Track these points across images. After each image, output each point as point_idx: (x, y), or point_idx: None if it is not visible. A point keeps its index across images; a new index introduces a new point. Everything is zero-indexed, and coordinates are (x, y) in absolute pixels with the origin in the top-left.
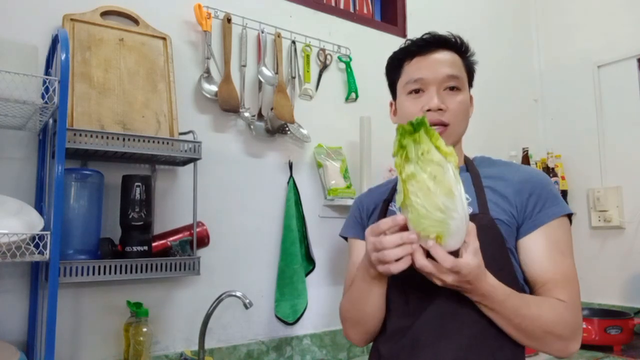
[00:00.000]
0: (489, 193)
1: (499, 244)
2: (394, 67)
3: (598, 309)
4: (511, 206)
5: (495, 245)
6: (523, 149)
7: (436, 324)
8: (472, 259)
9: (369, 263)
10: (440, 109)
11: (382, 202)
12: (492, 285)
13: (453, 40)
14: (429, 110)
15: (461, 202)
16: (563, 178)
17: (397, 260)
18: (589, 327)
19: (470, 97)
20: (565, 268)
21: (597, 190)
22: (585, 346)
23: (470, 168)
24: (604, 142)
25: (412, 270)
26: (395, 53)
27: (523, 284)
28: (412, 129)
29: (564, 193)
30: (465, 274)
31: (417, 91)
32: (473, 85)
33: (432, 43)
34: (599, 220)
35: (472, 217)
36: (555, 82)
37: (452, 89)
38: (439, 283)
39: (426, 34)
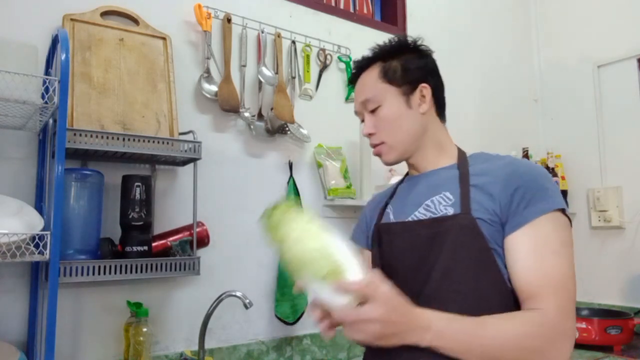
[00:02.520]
0: (474, 191)
1: (480, 245)
2: None
3: (598, 309)
4: (495, 203)
5: (475, 246)
6: (523, 149)
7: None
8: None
9: None
10: (371, 134)
11: (380, 209)
12: (428, 319)
13: (368, 58)
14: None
15: (335, 246)
16: (563, 178)
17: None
18: (589, 327)
19: (412, 95)
20: (553, 269)
21: (597, 190)
22: (585, 346)
23: (461, 166)
24: (604, 142)
25: (397, 247)
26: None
27: (511, 287)
28: (268, 222)
29: (564, 193)
30: (381, 312)
31: (362, 121)
32: (420, 79)
33: (355, 73)
34: (599, 220)
35: (452, 218)
36: (555, 82)
37: (373, 110)
38: (368, 338)
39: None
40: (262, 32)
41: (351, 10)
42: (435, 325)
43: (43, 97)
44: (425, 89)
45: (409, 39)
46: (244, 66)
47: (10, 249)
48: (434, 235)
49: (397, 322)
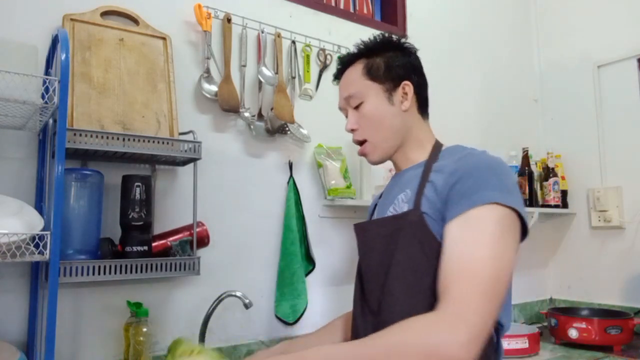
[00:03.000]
0: (428, 187)
1: (427, 240)
2: None
3: (598, 309)
4: (438, 197)
5: (424, 241)
6: (523, 149)
7: (388, 310)
8: None
9: None
10: (353, 129)
11: (371, 209)
12: None
13: (352, 55)
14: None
15: None
16: (563, 178)
17: None
18: (589, 327)
19: (395, 92)
20: (470, 262)
21: (597, 190)
22: (585, 346)
23: (428, 162)
24: (604, 142)
25: (364, 248)
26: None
27: None
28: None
29: (564, 193)
30: None
31: (346, 116)
32: (403, 76)
33: (339, 69)
34: (599, 220)
35: (404, 215)
36: (555, 82)
37: (357, 106)
38: None
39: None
40: (262, 32)
41: (351, 10)
42: None
43: (43, 97)
44: (407, 87)
45: (394, 37)
46: (244, 66)
47: (10, 249)
48: (390, 233)
49: None
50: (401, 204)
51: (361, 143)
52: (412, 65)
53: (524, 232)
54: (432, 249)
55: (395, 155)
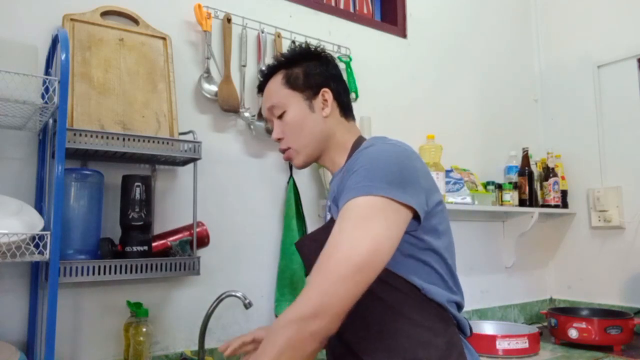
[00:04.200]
0: (338, 191)
1: None
2: None
3: (598, 309)
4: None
5: None
6: (523, 149)
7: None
8: None
9: None
10: (279, 139)
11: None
12: None
13: (272, 67)
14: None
15: None
16: (563, 178)
17: None
18: (589, 327)
19: (315, 99)
20: (326, 249)
21: (597, 190)
22: (585, 346)
23: (346, 165)
24: (604, 142)
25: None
26: None
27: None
28: None
29: (564, 193)
30: None
31: (272, 127)
32: (322, 84)
33: (261, 82)
34: (599, 220)
35: (329, 224)
36: (555, 82)
37: (280, 116)
38: None
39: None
40: (262, 32)
41: (351, 10)
42: None
43: (43, 97)
44: (326, 93)
45: (311, 47)
46: (244, 66)
47: (10, 249)
48: (320, 246)
49: None
50: (327, 213)
51: (283, 152)
52: (330, 73)
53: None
54: None
55: (323, 160)
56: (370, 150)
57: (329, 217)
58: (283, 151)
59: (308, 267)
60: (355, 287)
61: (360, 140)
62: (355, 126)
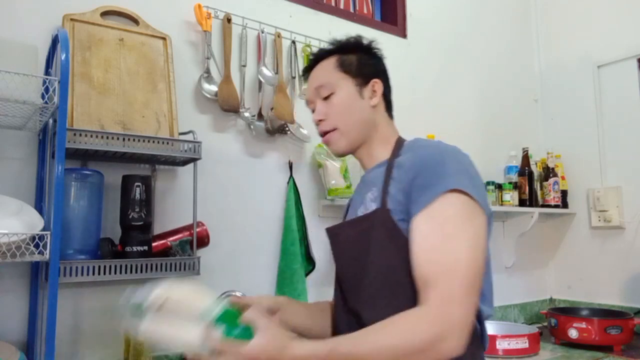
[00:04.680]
0: (391, 184)
1: (397, 237)
2: None
3: (598, 309)
4: (402, 193)
5: (392, 238)
6: (523, 149)
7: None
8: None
9: None
10: (321, 120)
11: (345, 209)
12: (306, 350)
13: (326, 50)
14: (317, 124)
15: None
16: (563, 178)
17: None
18: (589, 327)
19: (365, 87)
20: (444, 255)
21: (597, 190)
22: (585, 346)
23: (390, 159)
24: (604, 142)
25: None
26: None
27: None
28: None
29: (564, 193)
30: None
31: (313, 111)
32: (373, 74)
33: (308, 67)
34: (599, 220)
35: (372, 214)
36: (555, 82)
37: (326, 97)
38: None
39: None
40: (262, 32)
41: (351, 10)
42: (314, 348)
43: (43, 97)
44: (376, 84)
45: (365, 40)
46: (244, 66)
47: (10, 249)
48: (360, 234)
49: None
50: (369, 203)
51: (327, 133)
52: (381, 68)
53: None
54: (403, 245)
55: (360, 151)
56: (438, 147)
57: (374, 206)
58: (324, 133)
59: (339, 256)
60: (476, 296)
61: (401, 139)
62: (395, 125)
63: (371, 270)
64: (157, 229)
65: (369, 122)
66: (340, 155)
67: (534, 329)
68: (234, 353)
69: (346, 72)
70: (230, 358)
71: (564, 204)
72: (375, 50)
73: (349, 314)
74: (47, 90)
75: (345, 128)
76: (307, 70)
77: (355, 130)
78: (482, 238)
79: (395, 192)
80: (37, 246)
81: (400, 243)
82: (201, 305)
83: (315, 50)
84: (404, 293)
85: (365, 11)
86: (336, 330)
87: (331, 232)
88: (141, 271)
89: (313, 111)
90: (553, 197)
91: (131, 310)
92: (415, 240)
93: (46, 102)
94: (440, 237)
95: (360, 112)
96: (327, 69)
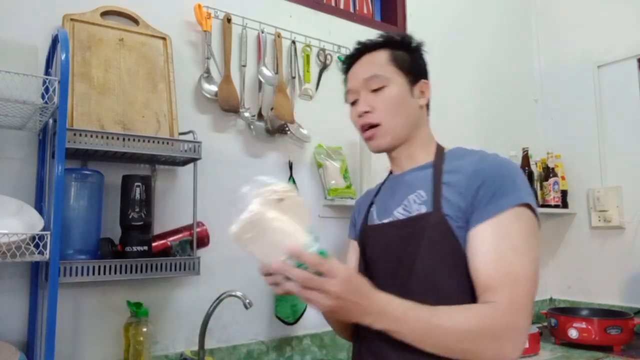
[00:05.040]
0: (445, 189)
1: (450, 242)
2: (344, 82)
3: (598, 309)
4: (462, 200)
5: (445, 243)
6: (523, 149)
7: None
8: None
9: None
10: (367, 112)
11: (366, 207)
12: (386, 302)
13: (379, 40)
14: (359, 116)
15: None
16: (563, 178)
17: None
18: (589, 327)
19: (415, 86)
20: (511, 266)
21: (597, 190)
22: (585, 346)
23: (435, 163)
24: (604, 142)
25: (377, 246)
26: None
27: None
28: None
29: (564, 193)
30: (340, 281)
31: (354, 102)
32: (422, 75)
33: (355, 54)
34: (599, 220)
35: (424, 217)
36: (555, 82)
37: (376, 89)
38: (320, 307)
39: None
40: (262, 32)
41: (351, 10)
42: (391, 312)
43: (43, 97)
44: (425, 85)
45: (414, 40)
46: (244, 66)
47: (10, 249)
48: (408, 236)
49: (353, 302)
50: (415, 205)
51: (370, 127)
52: (427, 70)
53: None
54: (455, 250)
55: (399, 150)
56: (501, 160)
57: (423, 209)
58: (367, 126)
59: (378, 255)
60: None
61: (440, 145)
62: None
63: (418, 271)
64: (157, 229)
65: (414, 122)
66: (377, 151)
67: (533, 328)
68: (335, 275)
69: (400, 68)
70: (328, 284)
71: (564, 204)
72: (424, 51)
73: None
74: (47, 90)
75: (391, 124)
76: (352, 58)
77: (400, 128)
78: (538, 254)
79: (452, 198)
80: (37, 246)
81: (453, 248)
82: (307, 224)
83: (315, 48)
84: (449, 297)
85: (365, 11)
86: (358, 326)
87: (373, 230)
88: (141, 271)
89: (352, 103)
90: (553, 197)
91: (250, 194)
92: (479, 248)
93: (46, 102)
94: (508, 249)
95: (409, 110)
96: (380, 61)
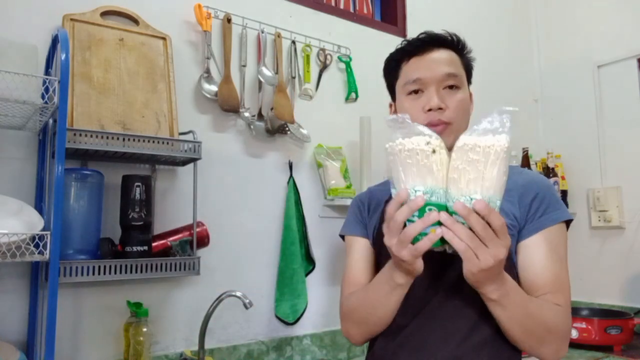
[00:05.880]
0: None
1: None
2: (392, 68)
3: (598, 309)
4: (515, 209)
5: None
6: (523, 149)
7: (432, 327)
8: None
9: (396, 265)
10: (441, 108)
11: (384, 203)
12: (504, 275)
13: (450, 38)
14: (429, 110)
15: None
16: (563, 178)
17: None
18: (589, 327)
19: (470, 95)
20: (560, 275)
21: (597, 190)
22: (585, 346)
23: None
24: (604, 142)
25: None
26: (392, 54)
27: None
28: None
29: (564, 193)
30: (506, 244)
31: (416, 92)
32: (472, 83)
33: (429, 42)
34: (599, 220)
35: None
36: (555, 82)
37: (451, 87)
38: (476, 266)
39: (422, 33)
40: (262, 32)
41: (351, 10)
42: (508, 285)
43: (43, 97)
44: (472, 95)
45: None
46: (244, 66)
47: (10, 249)
48: None
49: (498, 271)
50: None
51: (440, 124)
52: None
53: None
54: (507, 261)
55: None
56: (539, 174)
57: None
58: (439, 123)
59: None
60: None
61: None
62: None
63: (463, 285)
64: (157, 229)
65: (467, 127)
66: None
67: None
68: (505, 236)
69: (467, 75)
70: (501, 243)
71: (564, 204)
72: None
73: (404, 314)
74: (47, 90)
75: (458, 127)
76: (426, 45)
77: (461, 132)
78: None
79: (506, 206)
80: (37, 246)
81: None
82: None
83: (315, 48)
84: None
85: (365, 11)
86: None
87: None
88: (141, 271)
89: (416, 91)
90: None
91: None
92: (536, 256)
93: (46, 102)
94: (556, 258)
95: (468, 116)
96: (456, 62)
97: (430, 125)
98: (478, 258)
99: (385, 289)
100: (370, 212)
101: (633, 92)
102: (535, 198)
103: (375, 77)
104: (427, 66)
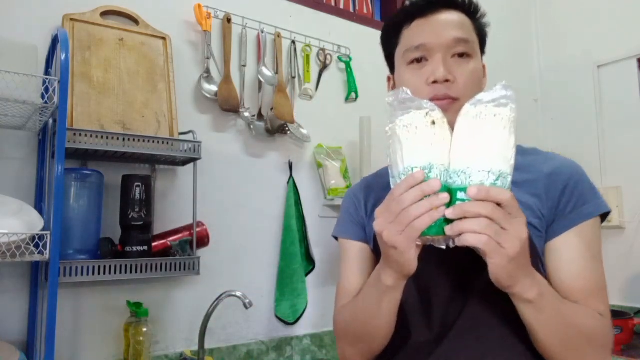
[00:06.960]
0: (515, 191)
1: (532, 255)
2: (391, 34)
3: None
4: (542, 205)
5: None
6: None
7: (474, 344)
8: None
9: (385, 262)
10: (448, 80)
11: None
12: (536, 274)
13: (457, 2)
14: (434, 82)
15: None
16: None
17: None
18: None
19: (483, 67)
20: (597, 275)
21: None
22: None
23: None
24: (604, 142)
25: (434, 267)
26: (391, 17)
27: None
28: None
29: None
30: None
31: (419, 60)
32: (485, 53)
33: (436, 2)
34: None
35: None
36: (555, 82)
37: (461, 55)
38: (505, 257)
39: None
40: (262, 32)
41: (351, 10)
42: (542, 284)
43: (43, 97)
44: (485, 68)
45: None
46: (244, 66)
47: (10, 249)
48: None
49: (527, 254)
50: None
51: (446, 98)
52: None
53: None
54: (535, 263)
55: None
56: (569, 159)
57: None
58: (444, 98)
59: (430, 269)
60: None
61: None
62: None
63: (484, 291)
64: (157, 229)
65: None
66: None
67: None
68: (522, 215)
69: (481, 42)
70: (522, 223)
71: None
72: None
73: (428, 327)
74: (47, 90)
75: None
76: (433, 5)
77: None
78: None
79: (527, 201)
80: (37, 246)
81: (533, 260)
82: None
83: (315, 48)
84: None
85: (365, 11)
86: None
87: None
88: (141, 271)
89: (419, 60)
90: None
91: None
92: (568, 253)
93: (46, 102)
94: (590, 257)
95: (481, 91)
96: (468, 25)
97: (435, 99)
98: (503, 246)
99: (374, 295)
100: (369, 211)
101: (633, 92)
102: (565, 189)
103: (375, 77)
104: (432, 30)
